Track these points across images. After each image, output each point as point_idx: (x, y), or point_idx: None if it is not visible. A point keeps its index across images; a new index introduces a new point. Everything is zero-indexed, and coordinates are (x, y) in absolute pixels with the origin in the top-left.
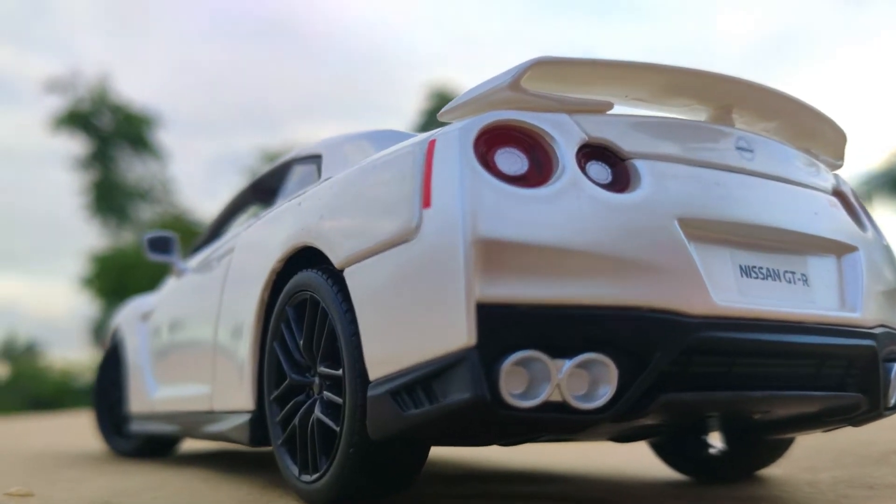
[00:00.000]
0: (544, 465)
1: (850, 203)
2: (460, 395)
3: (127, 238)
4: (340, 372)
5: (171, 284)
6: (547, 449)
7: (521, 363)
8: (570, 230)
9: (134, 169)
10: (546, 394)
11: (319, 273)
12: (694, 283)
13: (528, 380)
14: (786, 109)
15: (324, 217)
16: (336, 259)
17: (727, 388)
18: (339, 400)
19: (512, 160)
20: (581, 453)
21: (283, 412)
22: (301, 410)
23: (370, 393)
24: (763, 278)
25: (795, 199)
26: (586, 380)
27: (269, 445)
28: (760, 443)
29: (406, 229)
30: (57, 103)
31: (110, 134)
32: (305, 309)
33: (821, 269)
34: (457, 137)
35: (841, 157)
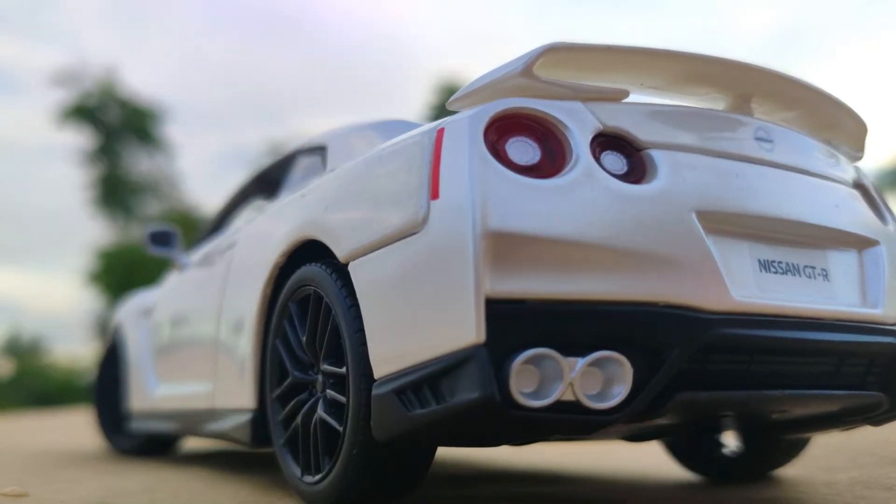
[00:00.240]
0: (553, 466)
1: (871, 196)
2: (468, 395)
3: (133, 233)
4: (344, 370)
5: (172, 279)
6: (556, 448)
7: (532, 361)
8: (583, 223)
9: (140, 163)
10: (558, 393)
11: (323, 267)
12: (712, 278)
13: (540, 378)
14: (806, 99)
15: (328, 209)
16: (340, 252)
17: (745, 387)
18: (342, 399)
19: (524, 150)
20: (591, 453)
21: (286, 411)
22: (303, 409)
23: (375, 392)
24: (782, 273)
25: (816, 191)
26: (600, 378)
27: (271, 445)
28: (776, 442)
29: (413, 221)
30: (63, 96)
31: (117, 128)
32: (308, 304)
33: (841, 263)
34: (466, 126)
35: (861, 148)
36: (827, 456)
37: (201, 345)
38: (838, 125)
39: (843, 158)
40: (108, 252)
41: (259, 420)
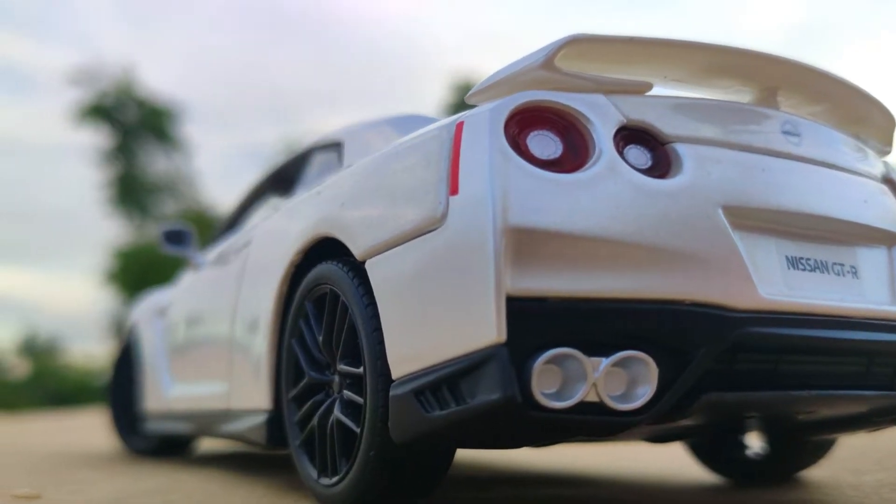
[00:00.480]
0: (573, 467)
1: None
2: (489, 396)
3: (149, 233)
4: (361, 370)
5: (187, 278)
6: (575, 449)
7: (555, 361)
8: (607, 218)
9: (157, 163)
10: (581, 394)
11: (340, 265)
12: (739, 276)
13: (562, 379)
14: (833, 91)
15: (345, 206)
16: (357, 250)
17: (772, 388)
18: (359, 399)
19: (545, 143)
20: (612, 454)
21: (302, 412)
22: (320, 410)
23: (392, 392)
24: (811, 270)
25: (844, 186)
26: (624, 379)
27: (287, 446)
28: (802, 444)
29: (432, 217)
30: (78, 95)
31: (134, 127)
32: (325, 303)
33: (871, 260)
34: (487, 119)
35: (890, 142)
36: (853, 458)
37: (216, 344)
38: (866, 119)
39: (871, 153)
40: (124, 252)
41: (275, 421)
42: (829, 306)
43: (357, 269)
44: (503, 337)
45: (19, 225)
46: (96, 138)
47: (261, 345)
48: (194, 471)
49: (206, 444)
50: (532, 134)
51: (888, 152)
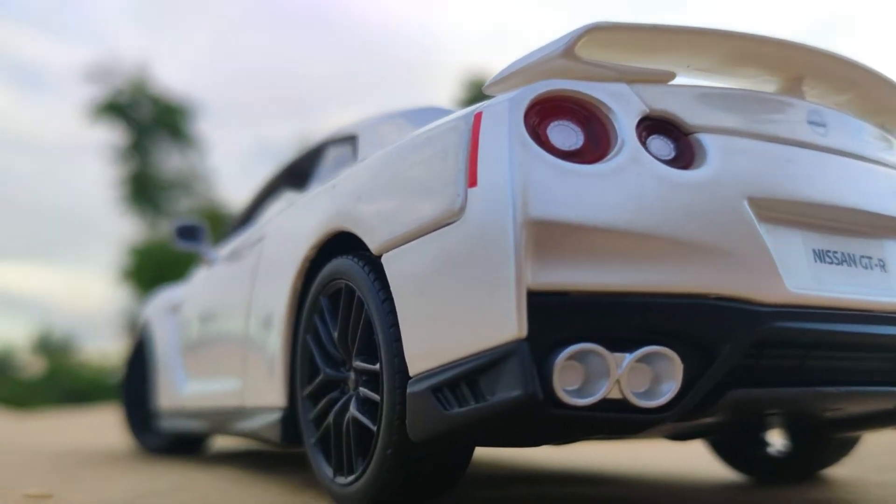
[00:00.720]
0: (592, 465)
1: None
2: (509, 393)
3: (163, 230)
4: (378, 367)
5: (200, 274)
6: (594, 447)
7: (577, 357)
8: (630, 210)
9: (171, 160)
10: (604, 391)
11: (355, 260)
12: (766, 269)
13: (585, 375)
14: (860, 81)
15: (360, 199)
16: (373, 244)
17: (799, 384)
18: (376, 397)
19: (566, 134)
20: (631, 451)
21: (317, 409)
22: (335, 408)
23: (410, 389)
24: (838, 263)
25: (871, 177)
26: (648, 375)
27: (302, 444)
28: (825, 441)
29: (449, 210)
30: (92, 93)
31: (148, 124)
32: (340, 299)
33: None
34: (506, 109)
35: None
36: (877, 455)
37: (230, 341)
38: (893, 108)
39: None
40: (140, 249)
41: (289, 419)
42: (856, 300)
43: (373, 264)
44: (524, 332)
45: (34, 222)
46: (111, 136)
47: (275, 341)
48: (208, 469)
49: (220, 442)
50: (553, 124)
51: None
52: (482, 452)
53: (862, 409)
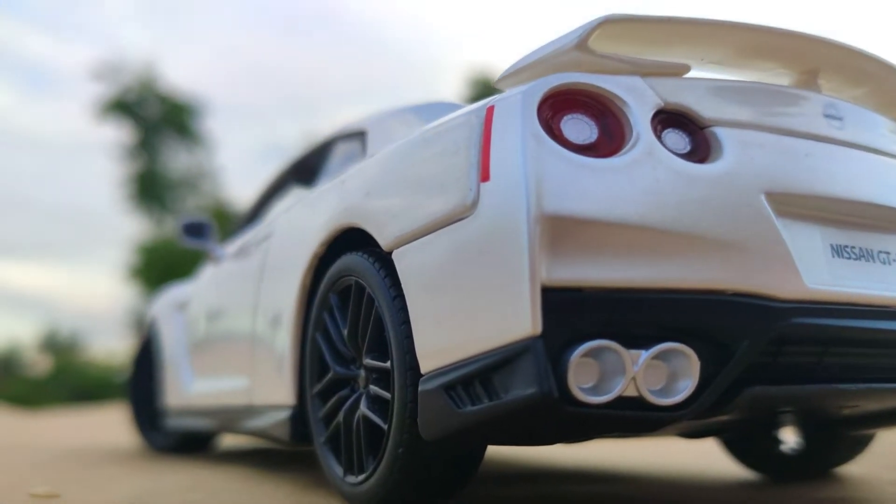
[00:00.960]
0: (604, 463)
1: None
2: (524, 391)
3: (170, 228)
4: (388, 364)
5: (207, 272)
6: (606, 445)
7: (592, 354)
8: (645, 205)
9: (179, 158)
10: (620, 388)
11: (365, 256)
12: (783, 265)
13: (600, 373)
14: (876, 73)
15: (370, 195)
16: (384, 240)
17: (817, 381)
18: (387, 395)
19: (580, 127)
20: (643, 449)
21: (326, 408)
22: (345, 406)
23: (422, 387)
24: (856, 259)
25: (889, 171)
26: (664, 372)
27: (312, 443)
28: (839, 439)
29: (462, 205)
30: (99, 91)
31: (156, 123)
32: (350, 296)
33: None
34: (519, 102)
35: None
36: (891, 453)
37: (238, 339)
38: None
39: None
40: (148, 247)
41: (298, 417)
42: (874, 296)
43: (383, 260)
44: (538, 329)
45: (40, 221)
46: (118, 134)
47: (283, 339)
48: (216, 468)
49: (228, 441)
50: (566, 118)
51: None
52: (489, 450)
53: (878, 407)
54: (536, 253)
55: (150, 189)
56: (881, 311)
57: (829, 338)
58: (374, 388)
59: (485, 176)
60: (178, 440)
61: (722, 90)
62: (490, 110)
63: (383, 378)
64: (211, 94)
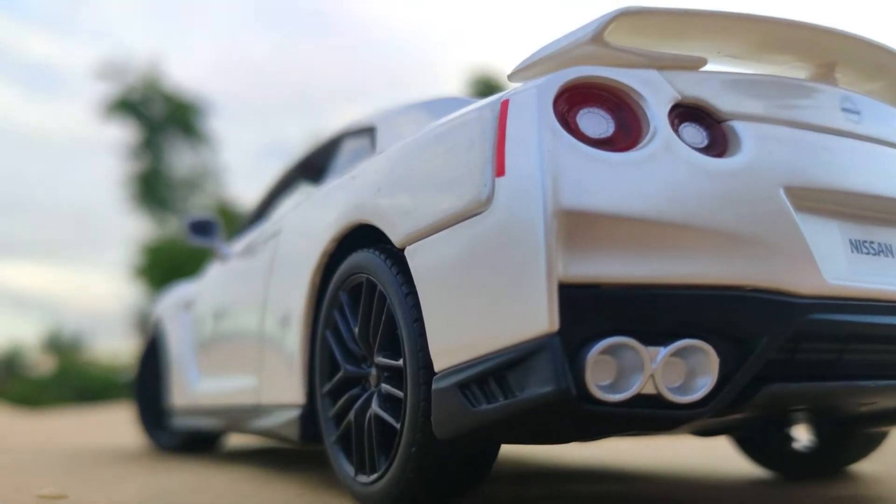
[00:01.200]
0: (617, 461)
1: None
2: (540, 389)
3: (173, 228)
4: (401, 362)
5: (214, 270)
6: (614, 443)
7: (610, 351)
8: (663, 200)
9: (183, 157)
10: (638, 386)
11: (377, 253)
12: (803, 260)
13: (618, 370)
14: (894, 67)
15: (381, 191)
16: (396, 237)
17: (836, 378)
18: (399, 393)
19: (596, 121)
20: (655, 447)
21: (337, 407)
22: (357, 405)
23: (435, 386)
24: (875, 254)
25: None
26: (683, 369)
27: (321, 442)
28: (852, 437)
29: (476, 201)
30: (103, 91)
31: (160, 122)
32: (361, 293)
33: None
34: (534, 96)
35: None
36: None
37: (245, 338)
38: None
39: None
40: (153, 247)
41: (308, 416)
42: (894, 292)
43: (395, 257)
44: (555, 326)
45: (44, 221)
46: (122, 133)
47: (293, 337)
48: (223, 468)
49: (235, 440)
50: (582, 111)
51: None
52: (504, 448)
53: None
54: (553, 248)
55: (154, 188)
56: None
57: (848, 334)
58: (385, 387)
59: (500, 171)
60: (184, 440)
61: (739, 84)
62: (505, 104)
63: (395, 376)
64: (216, 92)
